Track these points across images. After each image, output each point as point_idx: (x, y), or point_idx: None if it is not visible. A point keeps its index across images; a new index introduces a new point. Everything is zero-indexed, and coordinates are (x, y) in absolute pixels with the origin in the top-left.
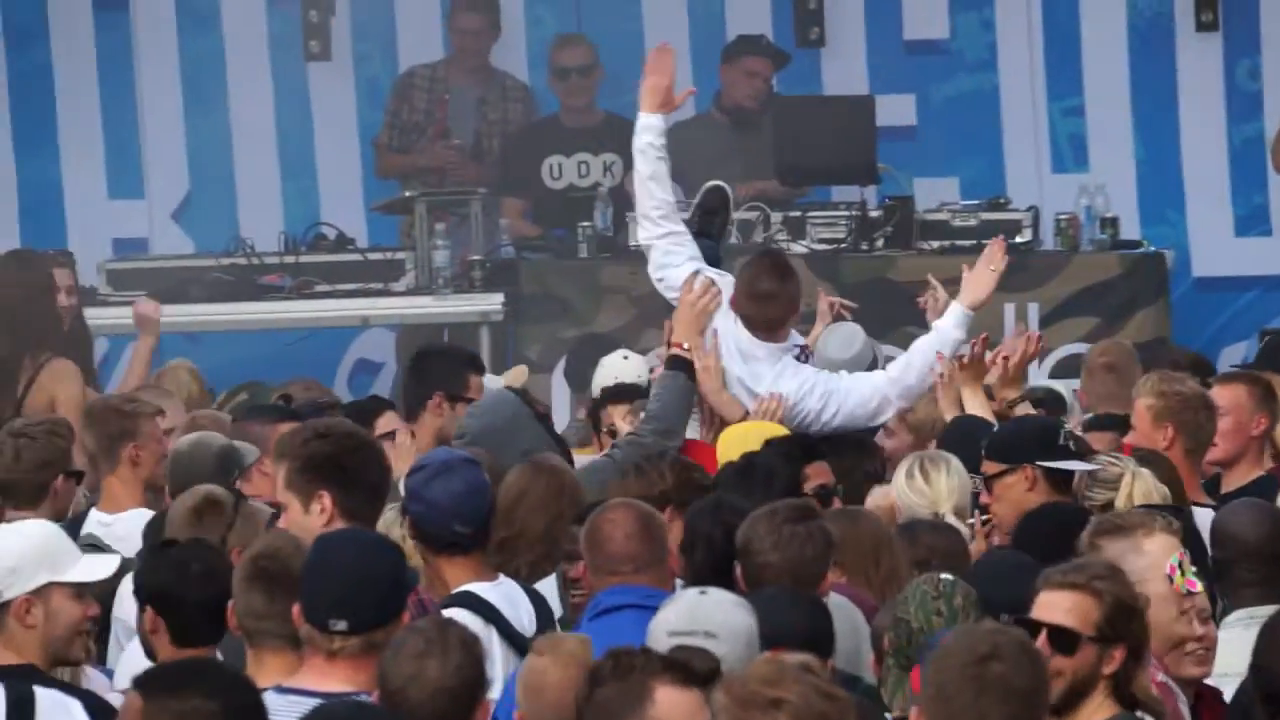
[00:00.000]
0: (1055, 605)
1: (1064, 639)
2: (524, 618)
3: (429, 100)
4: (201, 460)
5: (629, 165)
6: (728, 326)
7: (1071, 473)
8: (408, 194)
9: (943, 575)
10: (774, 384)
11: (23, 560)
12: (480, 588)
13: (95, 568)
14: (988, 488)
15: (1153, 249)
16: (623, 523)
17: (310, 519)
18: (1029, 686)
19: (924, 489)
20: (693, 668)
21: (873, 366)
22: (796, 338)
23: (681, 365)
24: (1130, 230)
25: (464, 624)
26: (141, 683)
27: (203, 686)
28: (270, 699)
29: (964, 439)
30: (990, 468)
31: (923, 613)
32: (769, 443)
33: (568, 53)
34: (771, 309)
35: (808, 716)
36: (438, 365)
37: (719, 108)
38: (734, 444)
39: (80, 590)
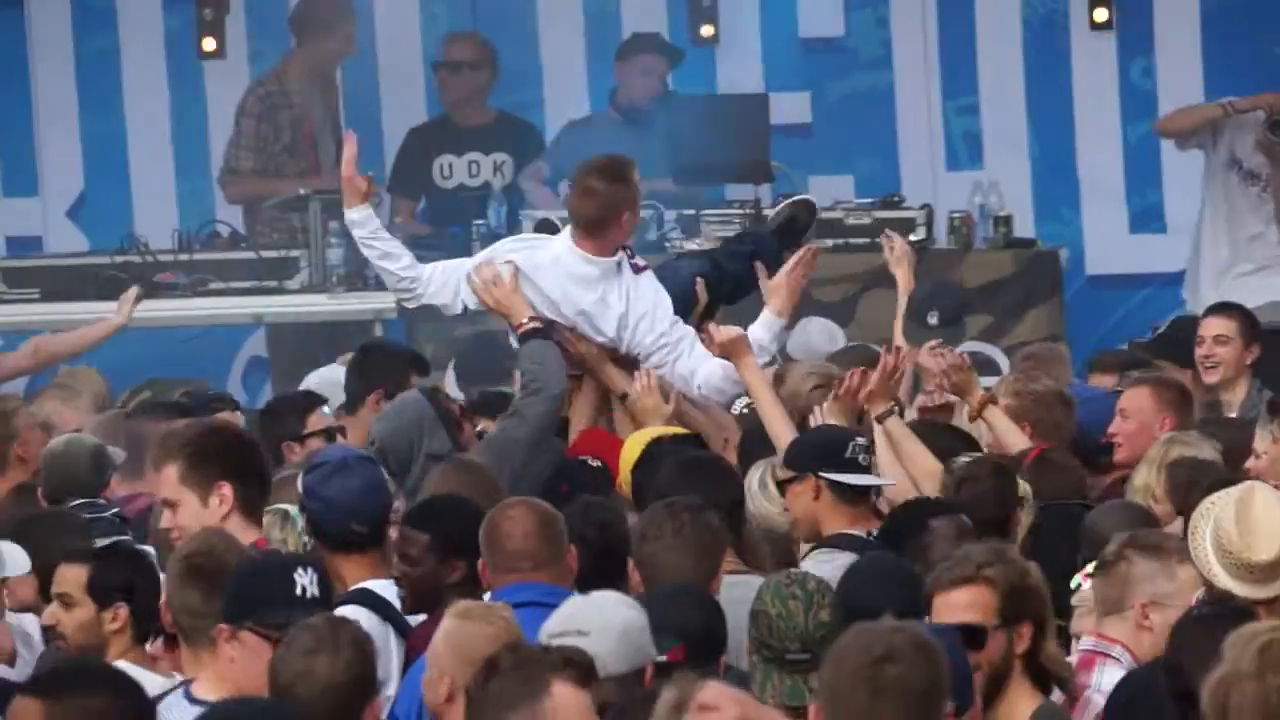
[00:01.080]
0: (954, 604)
1: (972, 635)
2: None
3: (291, 117)
4: (75, 460)
5: (519, 164)
6: (554, 265)
7: (860, 486)
8: (302, 191)
9: (792, 570)
10: (622, 303)
11: None
12: (378, 585)
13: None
14: (780, 492)
15: (1046, 247)
16: (521, 520)
17: (208, 512)
18: (926, 686)
19: (776, 497)
20: (588, 665)
21: None
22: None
23: (536, 333)
24: (1024, 229)
25: (356, 621)
26: (37, 685)
27: (98, 687)
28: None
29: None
30: (781, 474)
31: (778, 600)
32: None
33: (457, 47)
34: (591, 205)
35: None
36: (380, 362)
37: (614, 106)
38: (636, 449)
39: None
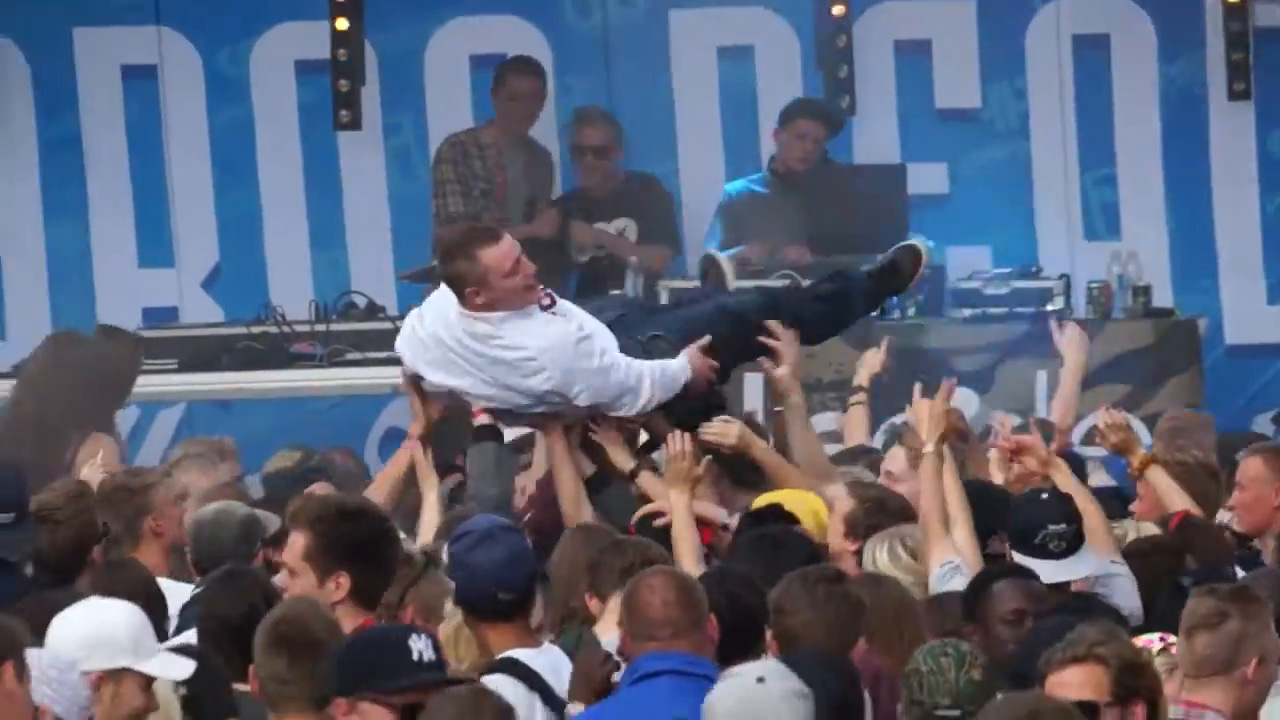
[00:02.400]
0: (1066, 683)
1: (1088, 712)
2: (567, 684)
3: (485, 167)
4: (225, 528)
5: (641, 227)
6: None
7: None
8: (435, 263)
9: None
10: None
11: (110, 638)
12: (524, 654)
13: (174, 667)
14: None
15: (1185, 317)
16: (660, 588)
17: (322, 593)
18: None
19: (913, 565)
20: None
21: None
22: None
23: (482, 432)
24: (1163, 298)
25: (500, 693)
26: None
27: None
28: None
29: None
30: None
31: (930, 658)
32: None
33: (586, 132)
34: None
35: None
36: (451, 432)
37: (772, 171)
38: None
39: (148, 683)
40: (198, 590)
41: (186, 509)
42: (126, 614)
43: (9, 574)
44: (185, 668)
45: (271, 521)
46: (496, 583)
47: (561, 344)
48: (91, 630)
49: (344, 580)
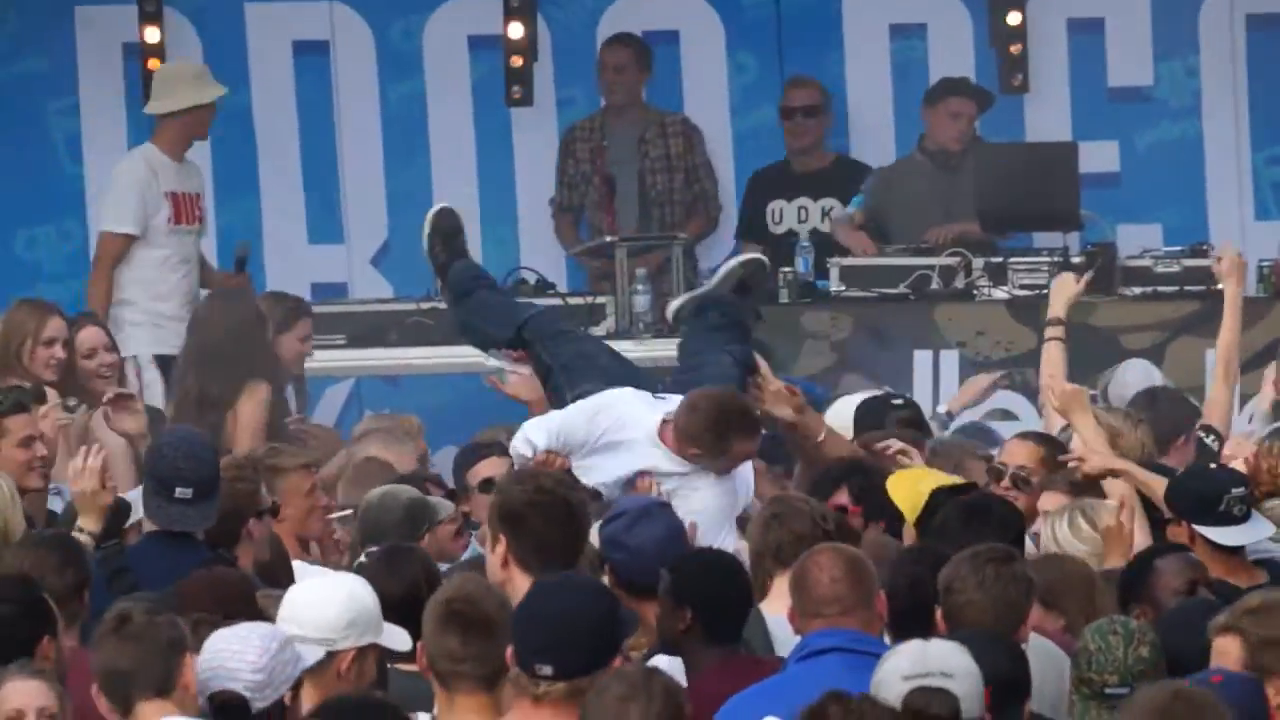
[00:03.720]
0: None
1: None
2: None
3: (589, 150)
4: (389, 511)
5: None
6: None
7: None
8: (608, 239)
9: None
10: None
11: (362, 615)
12: None
13: (397, 639)
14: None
15: None
16: (829, 565)
17: (493, 558)
18: None
19: (1090, 536)
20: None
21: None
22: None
23: None
24: None
25: (669, 672)
26: None
27: None
28: None
29: None
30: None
31: (1099, 636)
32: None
33: (794, 93)
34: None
35: None
36: None
37: (922, 150)
38: (905, 487)
39: (381, 655)
40: (356, 568)
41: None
42: (368, 590)
43: (189, 548)
44: (404, 639)
45: (444, 507)
46: (658, 560)
47: None
48: (348, 610)
49: (501, 546)
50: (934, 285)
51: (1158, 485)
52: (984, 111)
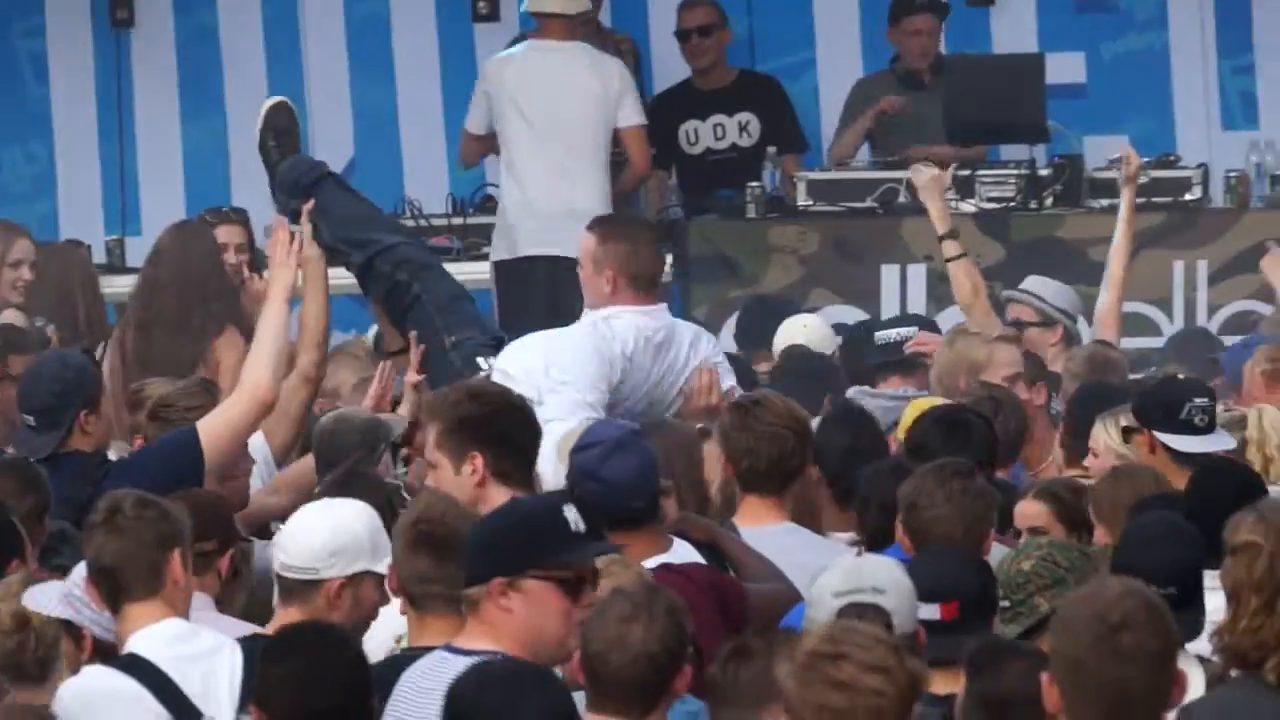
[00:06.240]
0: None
1: None
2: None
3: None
4: (344, 436)
5: (764, 123)
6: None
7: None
8: None
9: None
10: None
11: (352, 544)
12: (655, 562)
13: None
14: (1124, 439)
15: None
16: None
17: (461, 480)
18: (1162, 648)
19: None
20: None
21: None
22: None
23: None
24: None
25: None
26: None
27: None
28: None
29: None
30: (1127, 421)
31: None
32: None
33: (687, 14)
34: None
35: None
36: None
37: (893, 71)
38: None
39: (382, 581)
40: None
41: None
42: (360, 517)
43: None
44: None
45: (398, 424)
46: (632, 493)
47: None
48: (334, 540)
49: (478, 461)
50: (901, 199)
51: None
52: (942, 20)
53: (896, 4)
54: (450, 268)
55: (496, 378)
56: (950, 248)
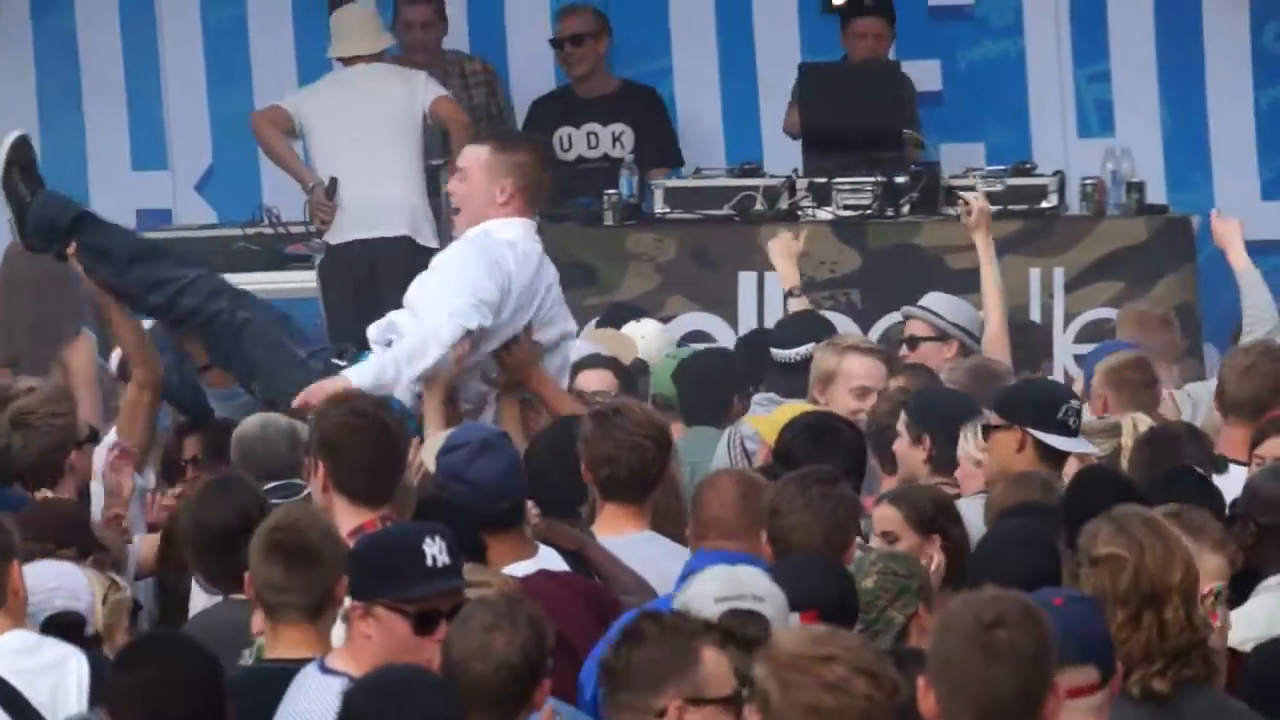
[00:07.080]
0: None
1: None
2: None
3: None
4: (273, 442)
5: (639, 135)
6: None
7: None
8: (433, 162)
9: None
10: None
11: None
12: (521, 567)
13: None
14: (984, 437)
15: (1178, 214)
16: (721, 489)
17: (313, 485)
18: (1036, 650)
19: None
20: (735, 632)
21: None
22: None
23: None
24: (1156, 195)
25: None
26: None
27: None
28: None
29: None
30: (991, 419)
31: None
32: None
33: (563, 23)
34: None
35: (859, 666)
36: None
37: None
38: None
39: None
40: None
41: None
42: None
43: None
44: None
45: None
46: (500, 494)
47: None
48: None
49: (320, 470)
50: (758, 206)
51: None
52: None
53: (847, 6)
54: (308, 275)
55: (383, 323)
56: (794, 304)
